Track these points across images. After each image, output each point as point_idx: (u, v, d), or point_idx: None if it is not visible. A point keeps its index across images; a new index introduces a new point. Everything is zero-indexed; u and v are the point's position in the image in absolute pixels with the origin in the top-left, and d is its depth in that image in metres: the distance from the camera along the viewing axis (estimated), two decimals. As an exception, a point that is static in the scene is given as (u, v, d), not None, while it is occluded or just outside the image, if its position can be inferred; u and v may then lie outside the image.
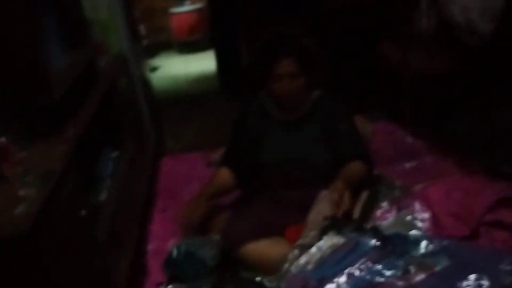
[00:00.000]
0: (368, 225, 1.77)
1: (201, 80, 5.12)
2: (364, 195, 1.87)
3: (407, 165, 2.46)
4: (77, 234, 1.44)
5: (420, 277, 1.55)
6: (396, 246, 1.66)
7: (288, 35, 2.03)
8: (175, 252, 1.90)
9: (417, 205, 1.78)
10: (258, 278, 1.75)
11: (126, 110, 2.50)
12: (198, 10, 6.16)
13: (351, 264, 1.59)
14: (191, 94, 4.75)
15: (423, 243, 1.65)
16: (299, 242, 1.76)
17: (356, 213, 1.81)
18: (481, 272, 1.48)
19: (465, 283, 1.46)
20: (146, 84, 3.21)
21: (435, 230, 1.72)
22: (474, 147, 2.50)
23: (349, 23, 3.30)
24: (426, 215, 1.75)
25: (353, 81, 3.16)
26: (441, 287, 1.50)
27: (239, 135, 2.11)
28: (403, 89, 2.99)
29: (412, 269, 1.58)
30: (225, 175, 2.09)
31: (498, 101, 2.71)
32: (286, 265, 1.69)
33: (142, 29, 5.29)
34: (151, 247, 2.14)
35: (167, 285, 1.85)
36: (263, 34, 2.19)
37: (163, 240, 2.13)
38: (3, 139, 1.33)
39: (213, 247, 1.90)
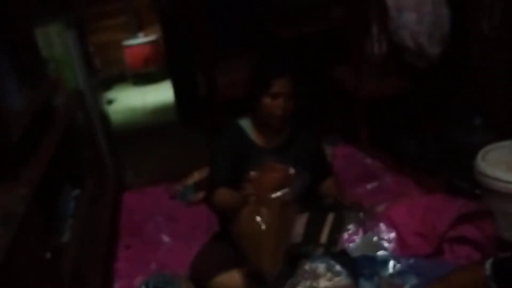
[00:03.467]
0: (336, 249, 1.79)
1: (159, 112, 5.09)
2: (330, 219, 1.89)
3: (368, 186, 2.51)
4: (43, 277, 1.39)
5: (391, 297, 1.58)
6: (365, 268, 1.69)
7: (284, 56, 2.06)
8: (144, 289, 1.87)
9: (382, 226, 1.81)
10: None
11: (85, 147, 2.46)
12: (152, 42, 6.16)
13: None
14: (149, 126, 4.71)
15: (391, 263, 1.69)
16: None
17: (324, 237, 1.83)
18: None
19: (434, 300, 1.50)
20: (104, 118, 3.17)
21: (401, 250, 1.75)
22: (430, 165, 2.59)
23: (301, 51, 3.38)
24: (391, 235, 1.79)
25: (310, 106, 3.22)
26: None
27: (223, 158, 2.01)
28: (357, 112, 3.07)
29: (382, 288, 1.61)
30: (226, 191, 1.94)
31: (448, 120, 2.82)
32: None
33: (97, 62, 5.23)
34: (117, 285, 2.08)
35: (137, 324, 1.81)
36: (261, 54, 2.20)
37: (130, 278, 2.08)
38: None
39: (181, 281, 1.88)
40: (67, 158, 2.15)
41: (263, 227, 1.72)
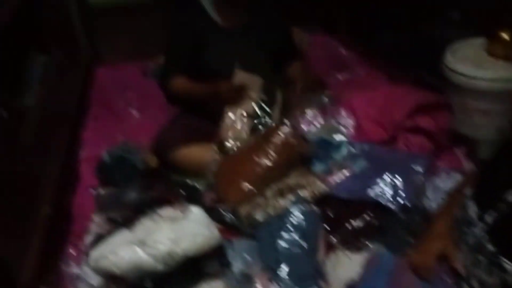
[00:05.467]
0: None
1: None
2: (278, 97, 1.93)
3: (340, 76, 2.51)
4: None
5: (340, 177, 1.66)
6: (319, 150, 1.74)
7: None
8: (107, 157, 1.92)
9: (342, 112, 1.84)
10: (188, 180, 1.81)
11: (52, 15, 2.38)
12: None
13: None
14: (129, 3, 4.54)
15: (344, 148, 1.75)
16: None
17: (275, 116, 1.87)
18: (395, 171, 1.59)
19: (379, 181, 1.57)
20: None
21: (357, 136, 1.79)
22: (402, 59, 2.57)
23: None
24: (350, 121, 1.82)
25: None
26: (359, 185, 1.61)
27: (182, 38, 2.00)
28: (337, 2, 2.99)
29: (333, 170, 1.68)
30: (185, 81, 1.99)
31: (424, 14, 2.75)
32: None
33: None
34: (83, 153, 2.13)
35: (99, 189, 1.88)
36: None
37: (95, 147, 2.12)
38: None
39: (144, 152, 1.93)
40: (32, 23, 2.10)
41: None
